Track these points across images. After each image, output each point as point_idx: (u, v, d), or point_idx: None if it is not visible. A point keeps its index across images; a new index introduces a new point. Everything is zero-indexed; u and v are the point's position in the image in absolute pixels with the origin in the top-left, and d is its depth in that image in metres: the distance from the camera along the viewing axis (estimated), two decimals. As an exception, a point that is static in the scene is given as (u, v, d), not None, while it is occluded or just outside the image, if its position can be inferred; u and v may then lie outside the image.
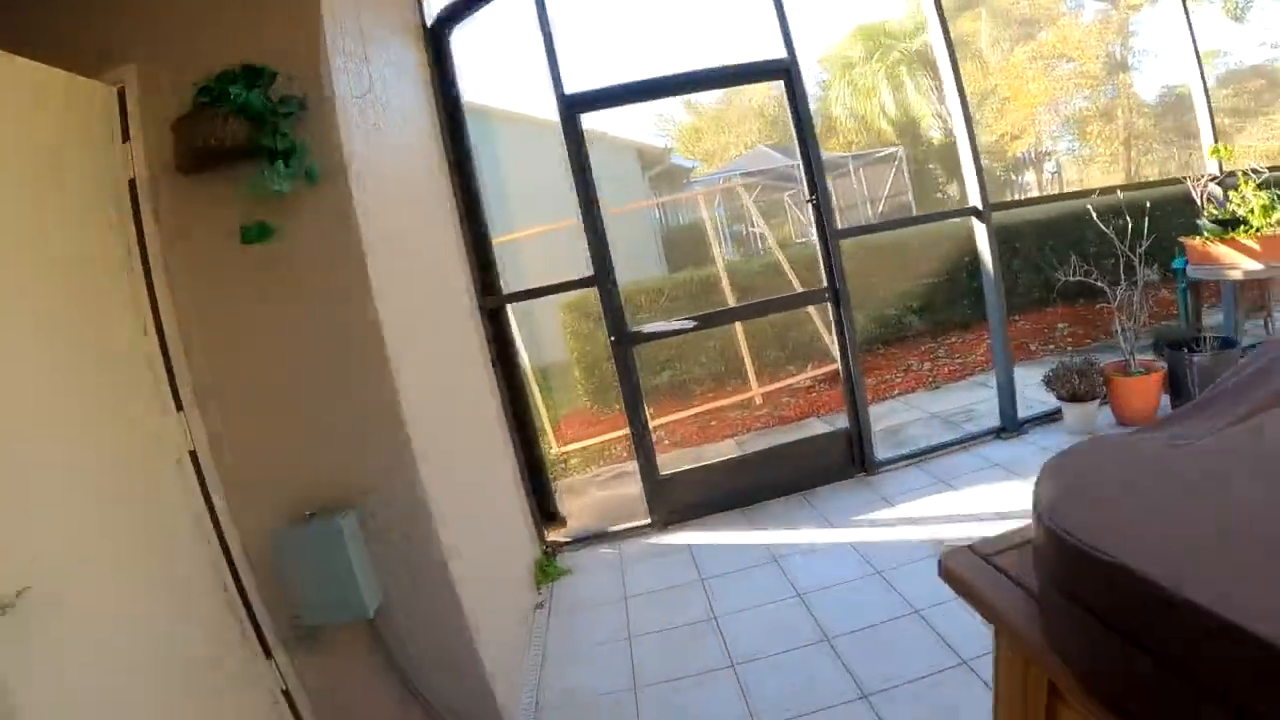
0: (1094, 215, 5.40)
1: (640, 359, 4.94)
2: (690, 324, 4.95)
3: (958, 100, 5.10)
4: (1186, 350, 5.16)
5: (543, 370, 8.41)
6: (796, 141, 4.81)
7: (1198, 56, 5.85)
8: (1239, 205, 5.17)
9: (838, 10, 31.55)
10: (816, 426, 6.84)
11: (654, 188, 17.47)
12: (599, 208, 4.61)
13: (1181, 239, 5.48)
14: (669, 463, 5.42)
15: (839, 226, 4.79)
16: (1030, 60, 19.32)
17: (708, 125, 29.50)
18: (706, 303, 8.17)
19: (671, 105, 31.44)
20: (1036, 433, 5.42)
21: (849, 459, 5.23)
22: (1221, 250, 5.14)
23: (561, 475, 6.74)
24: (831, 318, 5.10)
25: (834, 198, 20.49)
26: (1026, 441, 5.29)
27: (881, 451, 5.36)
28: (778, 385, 8.01)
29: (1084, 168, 27.57)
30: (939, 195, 21.61)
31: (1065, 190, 23.69)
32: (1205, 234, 5.25)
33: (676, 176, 18.85)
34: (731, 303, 7.90)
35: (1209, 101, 6.04)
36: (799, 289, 7.78)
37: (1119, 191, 5.74)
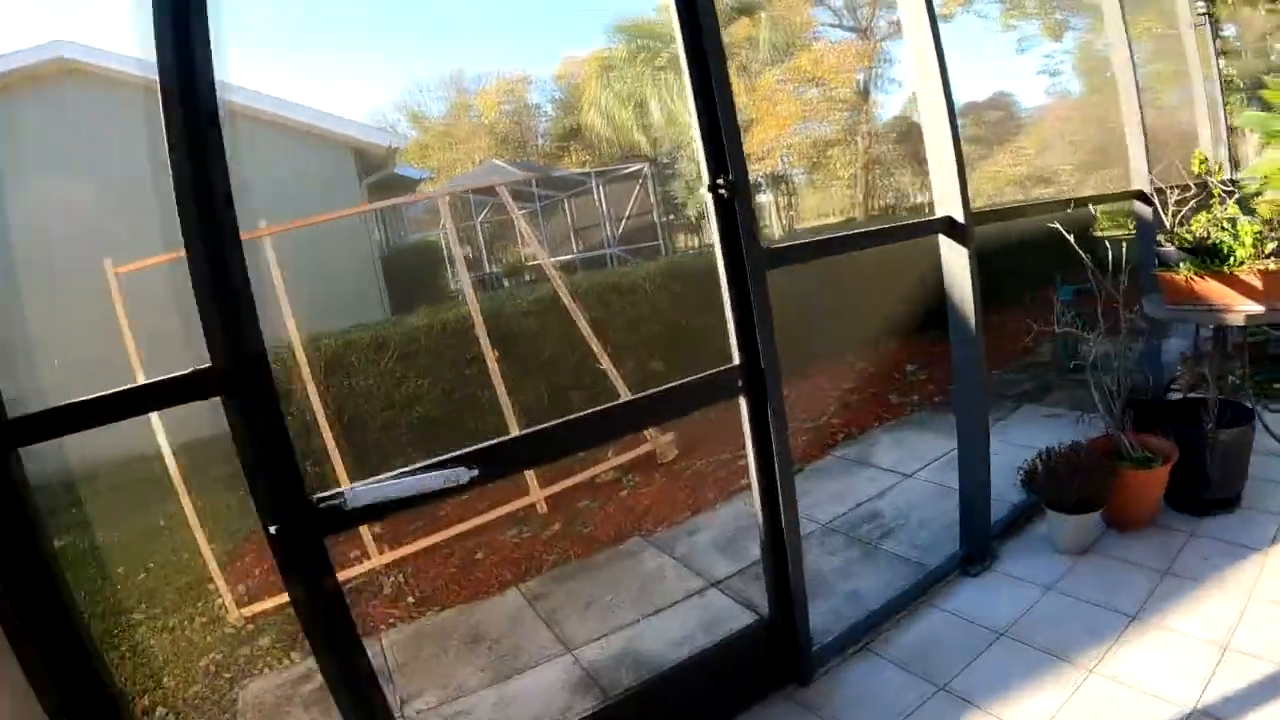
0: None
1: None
2: (465, 474, 2.04)
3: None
4: (1205, 422, 3.69)
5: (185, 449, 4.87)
6: (690, 72, 2.35)
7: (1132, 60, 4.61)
8: (1213, 230, 3.95)
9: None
10: (647, 557, 4.32)
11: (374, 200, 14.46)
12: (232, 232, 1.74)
13: (1155, 272, 4.06)
14: (415, 662, 3.09)
15: (767, 244, 2.52)
16: (781, 82, 19.08)
17: (435, 140, 27.61)
18: (462, 369, 5.62)
19: (396, 117, 29.07)
20: (1015, 557, 3.56)
21: (768, 660, 2.88)
22: (1212, 287, 3.77)
23: (242, 671, 3.82)
24: (747, 416, 2.68)
25: (570, 218, 18.58)
26: (1015, 579, 3.37)
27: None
28: (570, 481, 5.40)
29: (821, 192, 28.56)
30: (678, 216, 20.84)
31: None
32: (1185, 266, 3.82)
33: (403, 189, 15.91)
34: (495, 366, 5.13)
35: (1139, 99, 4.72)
36: (590, 338, 5.36)
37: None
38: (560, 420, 2.21)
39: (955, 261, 3.27)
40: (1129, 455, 3.68)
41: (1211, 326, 4.04)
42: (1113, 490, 3.55)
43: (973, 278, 3.24)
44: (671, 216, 22.15)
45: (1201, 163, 4.26)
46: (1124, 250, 3.94)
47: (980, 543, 3.50)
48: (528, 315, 6.00)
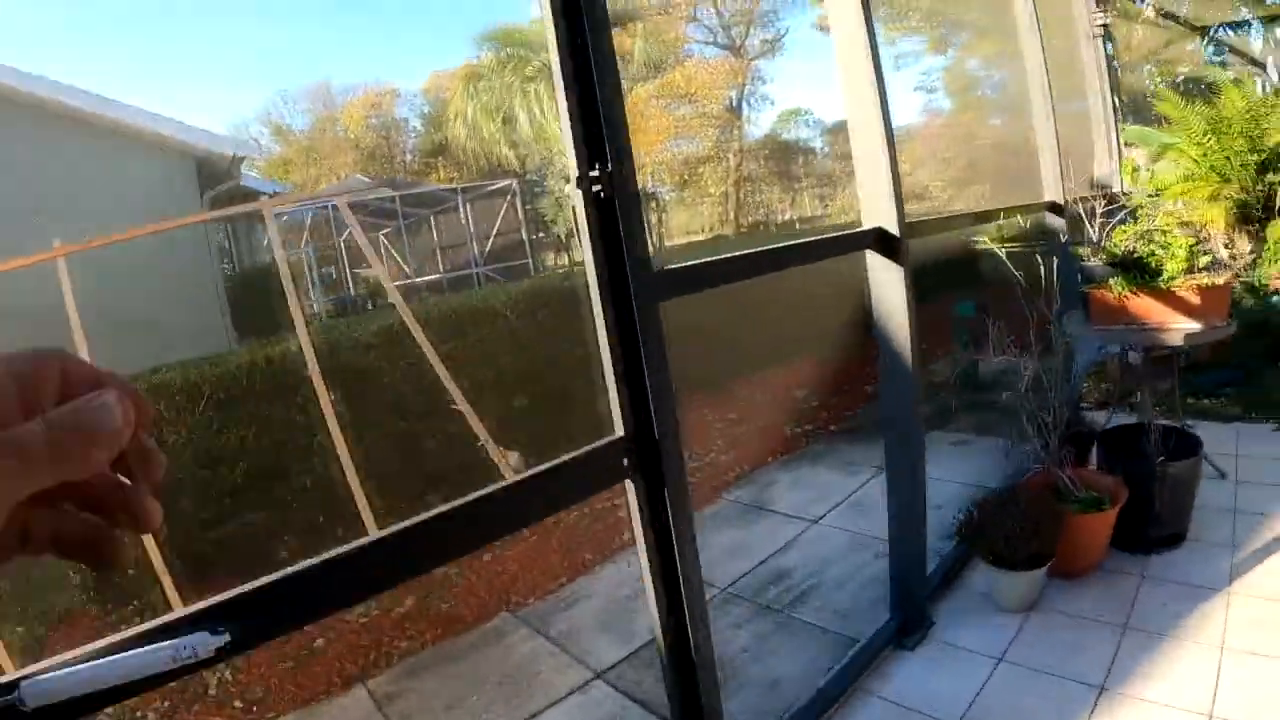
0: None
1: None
2: (208, 643, 1.13)
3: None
4: (1148, 453, 3.29)
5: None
6: (555, 24, 1.58)
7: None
8: (1139, 245, 3.64)
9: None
10: (518, 640, 3.54)
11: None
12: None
13: (1086, 289, 3.69)
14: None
15: (661, 263, 1.65)
16: (653, 98, 18.76)
17: (298, 154, 26.25)
18: (295, 415, 4.65)
19: (260, 129, 27.53)
20: (954, 620, 3.02)
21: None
22: (1147, 304, 3.44)
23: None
24: (635, 505, 1.83)
25: (436, 236, 17.40)
26: (959, 650, 2.86)
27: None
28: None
29: (691, 209, 28.44)
30: (546, 233, 20.25)
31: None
32: (1116, 282, 3.46)
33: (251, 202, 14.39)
34: (329, 409, 4.15)
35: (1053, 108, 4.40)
36: (443, 375, 4.37)
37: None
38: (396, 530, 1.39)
39: (888, 281, 2.71)
40: (1071, 495, 3.22)
41: (1142, 347, 3.68)
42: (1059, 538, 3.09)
43: (908, 300, 2.69)
44: (540, 234, 21.52)
45: (1134, 171, 3.96)
46: (1043, 267, 3.55)
47: (915, 609, 2.95)
48: (371, 348, 5.09)
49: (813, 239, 2.52)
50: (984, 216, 3.79)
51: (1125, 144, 5.88)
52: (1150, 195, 4.99)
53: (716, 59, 20.35)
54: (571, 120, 1.58)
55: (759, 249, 2.16)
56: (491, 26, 18.33)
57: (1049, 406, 3.33)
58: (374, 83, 30.03)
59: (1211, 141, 5.31)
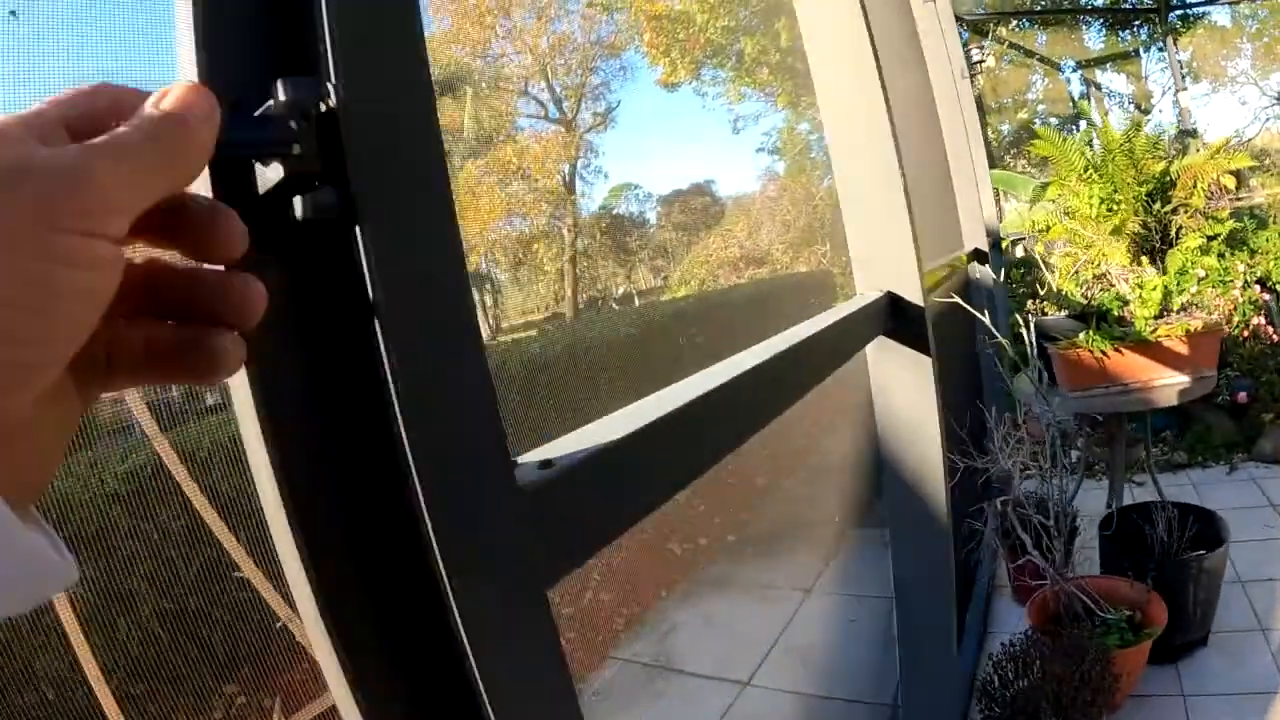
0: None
1: None
2: None
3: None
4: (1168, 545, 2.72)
5: None
6: None
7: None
8: (1097, 291, 3.32)
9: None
10: None
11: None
12: None
13: (1052, 349, 3.16)
14: None
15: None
16: (483, 174, 18.11)
17: None
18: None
19: None
20: None
21: None
22: (1130, 361, 2.87)
23: None
24: None
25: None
26: None
27: None
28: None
29: (526, 289, 27.77)
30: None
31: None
32: (1090, 337, 2.98)
33: None
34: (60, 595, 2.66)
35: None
36: (220, 532, 3.16)
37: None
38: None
39: (902, 374, 1.99)
40: (1092, 616, 2.59)
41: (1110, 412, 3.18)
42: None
43: (940, 405, 1.97)
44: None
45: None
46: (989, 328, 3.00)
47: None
48: (116, 500, 3.54)
49: (819, 329, 1.58)
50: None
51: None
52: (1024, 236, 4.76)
53: (549, 133, 19.97)
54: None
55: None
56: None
57: (1047, 504, 2.71)
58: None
59: (1095, 176, 5.11)
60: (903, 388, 1.89)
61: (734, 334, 7.30)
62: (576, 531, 0.64)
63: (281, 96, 0.43)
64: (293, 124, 0.43)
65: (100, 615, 3.25)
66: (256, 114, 0.42)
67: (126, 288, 0.33)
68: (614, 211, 24.88)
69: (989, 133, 5.74)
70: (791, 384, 1.30)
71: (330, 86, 0.45)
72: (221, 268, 0.37)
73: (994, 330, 2.76)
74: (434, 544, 0.48)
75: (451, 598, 0.48)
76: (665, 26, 16.61)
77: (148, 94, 0.35)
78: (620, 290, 27.68)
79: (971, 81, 5.59)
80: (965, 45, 5.36)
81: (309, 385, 0.48)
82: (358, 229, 0.46)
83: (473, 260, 20.87)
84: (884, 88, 1.86)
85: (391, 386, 0.46)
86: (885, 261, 1.91)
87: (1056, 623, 2.51)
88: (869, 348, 1.89)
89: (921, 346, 1.86)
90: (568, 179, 20.68)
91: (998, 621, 3.06)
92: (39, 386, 0.29)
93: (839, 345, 1.59)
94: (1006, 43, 9.21)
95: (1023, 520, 2.57)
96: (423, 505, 0.47)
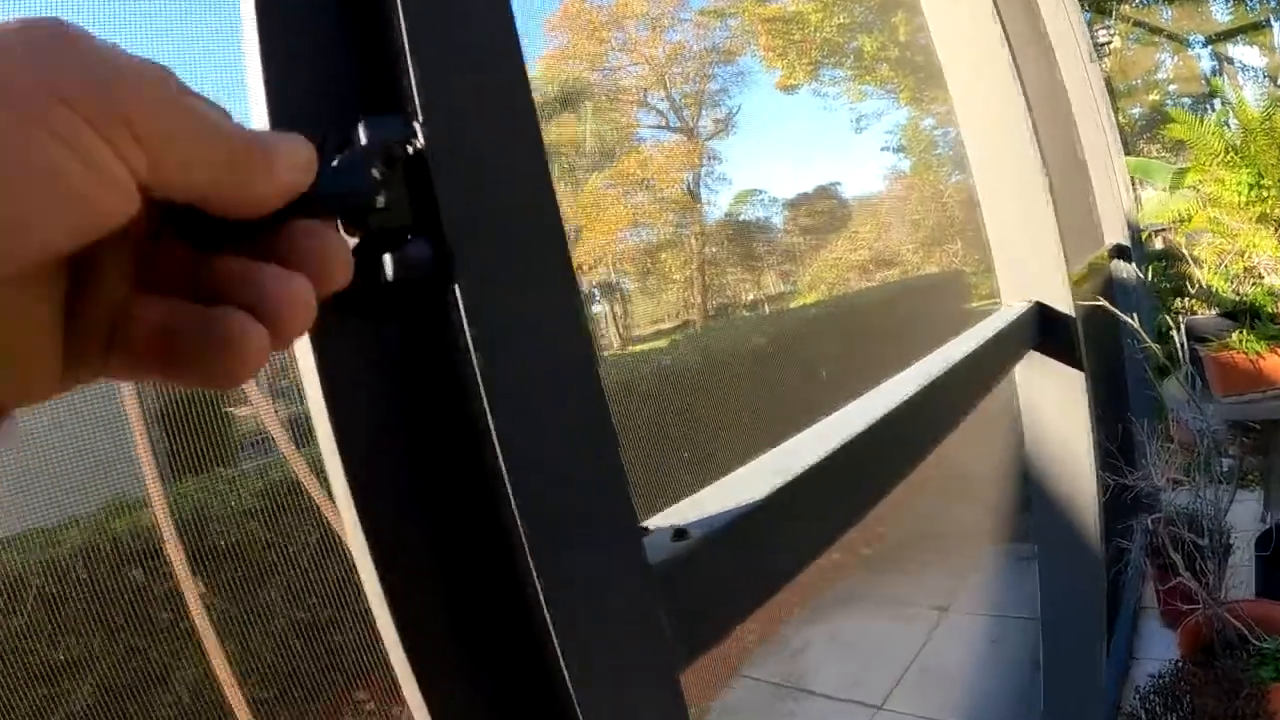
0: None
1: None
2: None
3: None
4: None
5: None
6: None
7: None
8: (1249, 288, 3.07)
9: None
10: None
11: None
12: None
13: (1203, 351, 2.89)
14: None
15: None
16: (607, 186, 18.29)
17: None
18: (156, 612, 3.30)
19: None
20: None
21: None
22: None
23: None
24: None
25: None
26: None
27: None
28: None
29: (655, 298, 27.93)
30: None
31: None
32: (1243, 337, 2.71)
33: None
34: (197, 608, 3.07)
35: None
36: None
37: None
38: None
39: (1053, 390, 1.84)
40: (1246, 645, 2.34)
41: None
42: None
43: (1092, 421, 1.80)
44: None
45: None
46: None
47: None
48: (252, 516, 3.66)
49: (962, 356, 1.40)
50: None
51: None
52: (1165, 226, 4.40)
53: (670, 142, 19.98)
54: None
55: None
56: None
57: (1199, 521, 2.46)
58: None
59: (1237, 159, 4.69)
60: (1053, 405, 1.75)
61: (868, 340, 7.08)
62: (714, 609, 0.57)
63: (364, 139, 0.38)
64: (375, 172, 0.37)
65: (235, 624, 3.38)
66: (335, 161, 0.37)
67: (145, 252, 0.30)
68: (739, 218, 24.76)
69: (1120, 117, 5.38)
70: (944, 414, 1.19)
71: (417, 126, 0.39)
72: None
73: (1142, 334, 2.55)
74: (552, 636, 0.42)
75: (573, 694, 0.42)
76: (779, 29, 16.36)
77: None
78: (749, 296, 27.50)
79: (1100, 65, 5.26)
80: (1089, 26, 5.02)
81: (407, 463, 0.43)
82: (455, 287, 0.40)
83: (600, 272, 21.13)
84: (1020, 79, 1.74)
85: (502, 465, 0.41)
86: (1031, 268, 1.78)
87: (1208, 652, 2.29)
88: (1018, 370, 1.77)
89: (1072, 359, 1.73)
90: (691, 187, 20.66)
91: (1145, 646, 2.82)
92: None
93: (989, 365, 1.47)
94: (1131, 20, 8.63)
95: (1174, 539, 2.36)
96: (541, 596, 0.41)
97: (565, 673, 0.42)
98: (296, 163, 0.32)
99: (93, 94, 0.25)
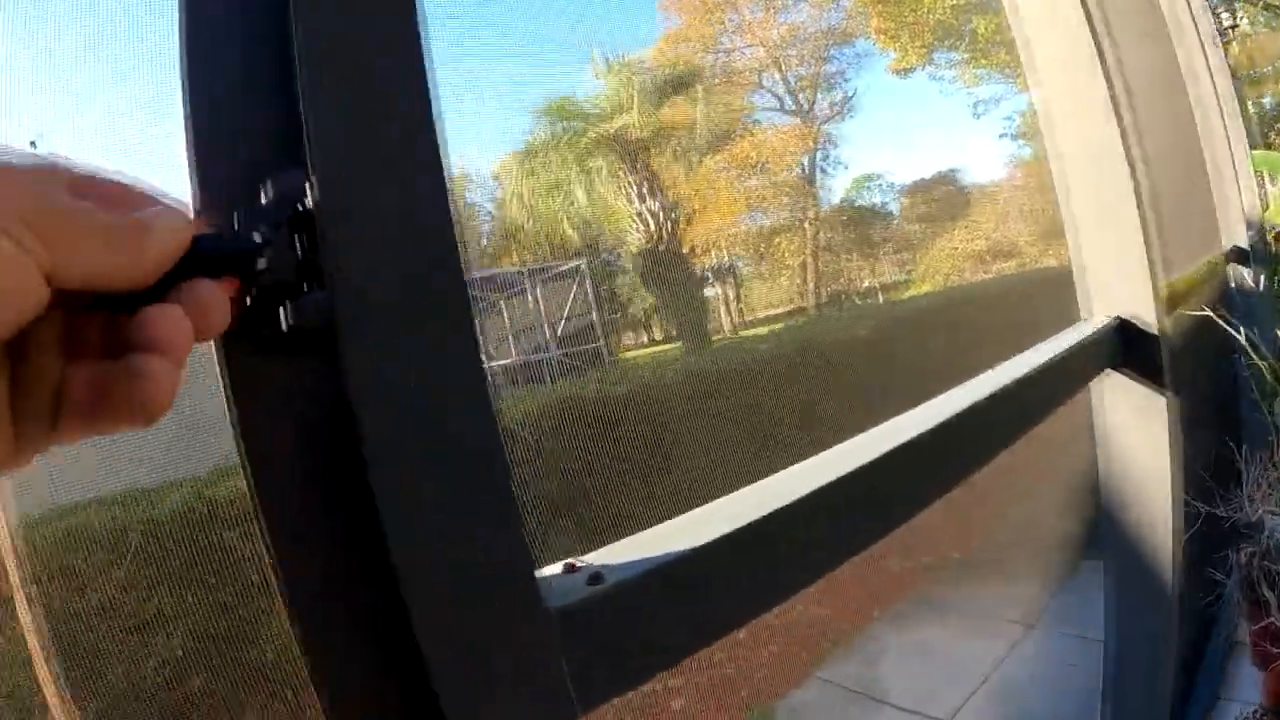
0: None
1: None
2: None
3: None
4: None
5: None
6: None
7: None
8: None
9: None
10: None
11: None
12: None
13: None
14: None
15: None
16: (722, 169, 18.16)
17: None
18: (250, 573, 3.54)
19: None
20: None
21: None
22: None
23: None
24: None
25: (507, 321, 17.45)
26: None
27: None
28: None
29: (769, 282, 27.60)
30: (623, 314, 19.57)
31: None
32: None
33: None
34: None
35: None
36: None
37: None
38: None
39: (1132, 415, 1.72)
40: None
41: None
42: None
43: (1179, 450, 1.68)
44: (615, 315, 20.86)
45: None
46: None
47: None
48: None
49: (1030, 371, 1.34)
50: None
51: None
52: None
53: (785, 125, 19.64)
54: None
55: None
56: (544, 101, 17.78)
57: None
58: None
59: None
60: (1132, 430, 1.64)
61: (979, 338, 6.82)
62: (629, 655, 0.56)
63: (268, 195, 0.40)
64: (257, 235, 0.38)
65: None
66: (236, 219, 0.39)
67: (72, 327, 0.35)
68: (855, 203, 24.21)
69: (1246, 107, 4.98)
70: (983, 441, 1.13)
71: (310, 182, 0.40)
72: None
73: (1250, 350, 2.38)
74: (431, 675, 0.43)
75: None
76: (891, 10, 15.82)
77: (153, 199, 0.36)
78: (864, 284, 26.84)
79: (1224, 50, 4.88)
80: (1213, 8, 4.65)
81: (305, 490, 0.44)
82: (338, 340, 0.41)
83: (714, 255, 20.99)
84: (1104, 64, 1.61)
85: (381, 515, 0.41)
86: (1112, 279, 1.67)
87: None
88: (1094, 384, 1.66)
89: (1156, 382, 1.60)
90: (807, 171, 20.33)
91: (1234, 686, 2.63)
92: None
93: (1051, 389, 1.39)
94: (1259, 2, 7.93)
95: (1268, 575, 2.20)
96: (419, 633, 0.42)
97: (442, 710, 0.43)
98: (170, 235, 0.35)
99: None
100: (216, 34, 0.43)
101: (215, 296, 0.37)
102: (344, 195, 0.41)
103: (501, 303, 17.55)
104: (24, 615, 3.18)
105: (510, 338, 17.61)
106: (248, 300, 0.40)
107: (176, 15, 0.43)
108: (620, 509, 4.35)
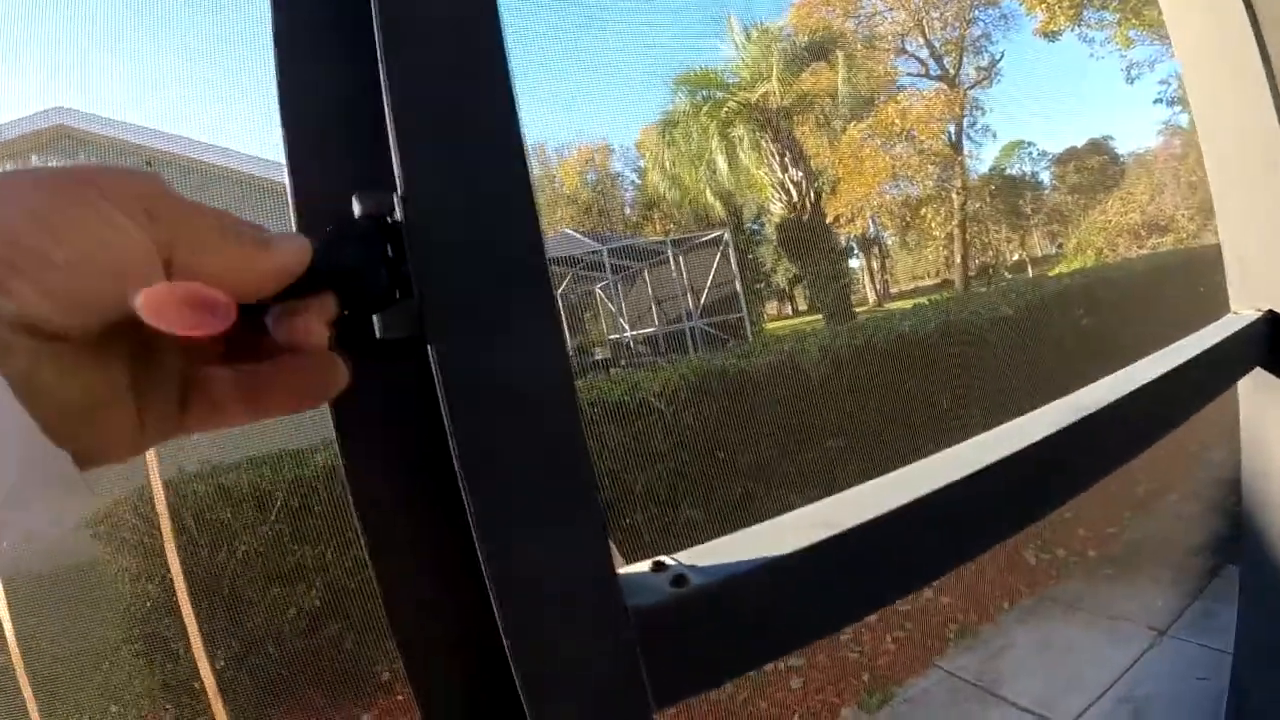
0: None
1: None
2: None
3: None
4: None
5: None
6: None
7: None
8: None
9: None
10: None
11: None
12: None
13: None
14: None
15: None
16: (867, 137, 17.57)
17: None
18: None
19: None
20: None
21: None
22: None
23: None
24: None
25: (650, 289, 17.47)
26: None
27: None
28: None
29: (914, 254, 26.68)
30: (765, 284, 19.36)
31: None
32: None
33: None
34: None
35: None
36: None
37: None
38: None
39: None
40: None
41: None
42: None
43: None
44: (759, 284, 20.60)
45: None
46: None
47: None
48: None
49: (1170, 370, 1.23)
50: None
51: None
52: None
53: (931, 91, 18.81)
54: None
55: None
56: (682, 70, 17.57)
57: None
58: (587, 140, 30.81)
59: None
60: (1264, 421, 1.50)
61: (1128, 322, 6.40)
62: (705, 661, 0.57)
63: (357, 212, 0.42)
64: (353, 253, 0.41)
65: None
66: (328, 238, 0.41)
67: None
68: (1004, 172, 22.95)
69: None
70: (1121, 441, 1.06)
71: (395, 199, 0.43)
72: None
73: None
74: (516, 674, 0.45)
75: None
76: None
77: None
78: (1014, 257, 25.56)
79: None
80: None
81: (398, 493, 0.48)
82: (429, 347, 0.44)
83: (859, 224, 20.40)
84: (1255, 23, 1.45)
85: (471, 517, 0.44)
86: (1264, 268, 1.52)
87: None
88: (1240, 384, 1.52)
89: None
90: (954, 138, 19.36)
91: None
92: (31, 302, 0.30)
93: (1197, 385, 1.28)
94: None
95: None
96: (502, 631, 0.44)
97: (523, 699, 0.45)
98: (294, 251, 0.37)
99: (113, 181, 0.32)
100: (309, 74, 0.47)
101: (309, 321, 0.39)
102: (428, 207, 0.43)
103: (645, 272, 17.69)
104: (174, 564, 3.51)
105: (653, 305, 17.74)
106: (345, 312, 0.42)
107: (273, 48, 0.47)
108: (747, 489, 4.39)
